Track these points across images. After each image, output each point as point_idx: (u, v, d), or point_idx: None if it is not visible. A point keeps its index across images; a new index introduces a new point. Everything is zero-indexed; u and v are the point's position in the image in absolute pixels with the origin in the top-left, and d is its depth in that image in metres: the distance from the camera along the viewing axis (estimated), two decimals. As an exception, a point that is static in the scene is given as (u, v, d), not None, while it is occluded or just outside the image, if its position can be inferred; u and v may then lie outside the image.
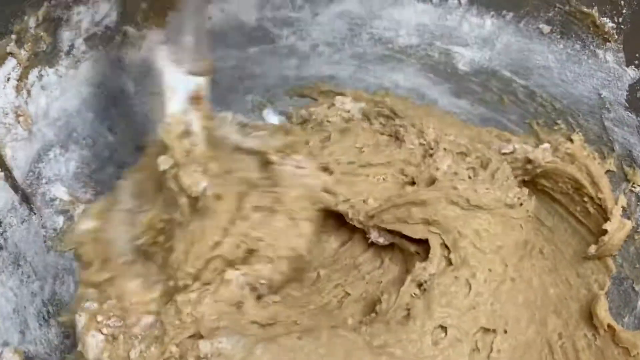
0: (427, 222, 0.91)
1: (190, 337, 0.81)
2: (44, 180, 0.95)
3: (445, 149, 0.97)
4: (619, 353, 0.84)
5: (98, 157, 1.04)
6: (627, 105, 0.92)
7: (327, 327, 0.86)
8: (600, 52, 0.94)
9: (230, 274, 0.86)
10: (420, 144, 0.99)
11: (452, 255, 0.88)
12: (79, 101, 1.00)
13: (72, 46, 0.96)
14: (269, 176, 0.93)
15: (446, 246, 0.89)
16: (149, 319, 0.85)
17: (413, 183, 0.97)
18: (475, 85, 1.10)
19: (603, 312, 0.88)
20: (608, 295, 0.90)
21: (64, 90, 0.97)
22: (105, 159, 1.05)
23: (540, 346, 0.88)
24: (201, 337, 0.81)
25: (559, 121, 1.01)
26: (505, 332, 0.85)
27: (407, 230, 0.93)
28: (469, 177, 0.94)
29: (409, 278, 0.89)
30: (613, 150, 0.95)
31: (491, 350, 0.84)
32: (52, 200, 0.96)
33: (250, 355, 0.79)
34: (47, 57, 0.93)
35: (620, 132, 0.94)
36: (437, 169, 0.95)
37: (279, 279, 0.89)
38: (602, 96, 0.95)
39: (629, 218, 0.91)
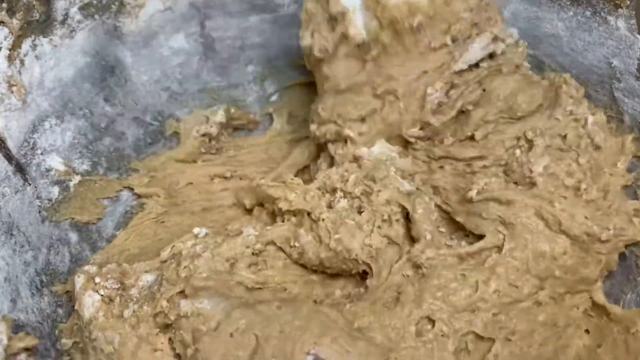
0: (503, 223, 0.84)
1: (179, 293, 0.83)
2: (39, 151, 0.95)
3: (545, 146, 0.87)
4: (618, 331, 0.81)
5: (95, 128, 1.03)
6: (639, 75, 0.88)
7: (310, 301, 0.85)
8: (611, 19, 0.90)
9: (248, 230, 0.90)
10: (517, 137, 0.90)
11: (491, 257, 0.83)
12: (74, 71, 0.99)
13: (66, 15, 0.96)
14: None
15: (498, 248, 0.83)
16: (148, 278, 0.88)
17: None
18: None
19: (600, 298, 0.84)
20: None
21: (58, 60, 0.97)
22: (102, 129, 1.04)
23: None
24: (186, 296, 0.83)
25: (567, 92, 0.97)
26: (509, 340, 0.80)
27: (469, 224, 0.87)
28: (576, 191, 0.85)
29: (405, 256, 0.86)
30: (622, 122, 0.91)
31: (488, 352, 0.80)
32: (48, 170, 0.96)
33: (227, 318, 0.80)
34: (40, 26, 0.93)
35: (631, 102, 0.90)
36: (531, 170, 0.87)
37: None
38: (612, 65, 0.91)
39: (635, 192, 0.88)
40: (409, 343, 0.80)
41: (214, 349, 0.78)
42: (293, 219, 0.93)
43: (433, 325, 0.80)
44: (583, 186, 0.85)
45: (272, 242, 0.92)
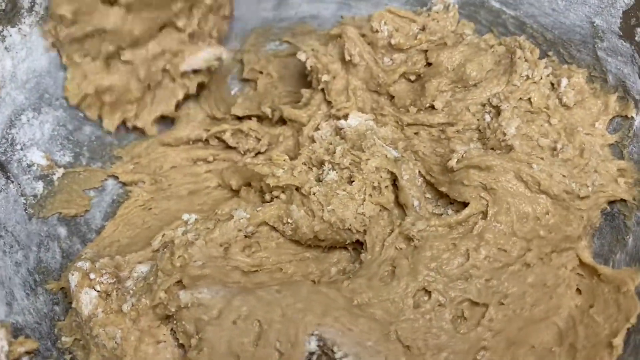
0: (484, 188, 0.85)
1: (176, 283, 0.83)
2: (18, 146, 0.92)
3: (512, 108, 0.89)
4: (609, 291, 0.83)
5: (74, 117, 1.01)
6: (621, 34, 0.88)
7: (308, 282, 0.86)
8: (592, -23, 0.89)
9: (239, 213, 0.90)
10: (482, 104, 0.93)
11: (478, 224, 0.84)
12: (47, 61, 0.96)
13: (33, 2, 0.92)
14: None
15: (483, 214, 0.85)
16: (142, 269, 0.88)
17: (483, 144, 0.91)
18: (463, 18, 1.05)
19: (587, 257, 0.86)
20: (599, 231, 0.88)
21: (30, 50, 0.93)
22: (82, 118, 1.02)
23: (547, 326, 0.84)
24: (184, 286, 0.83)
25: (550, 53, 0.97)
26: (502, 304, 0.82)
27: (453, 192, 0.88)
28: (552, 151, 0.87)
29: (397, 230, 0.87)
30: (606, 81, 0.91)
31: (482, 317, 0.81)
32: (29, 166, 0.94)
33: (228, 305, 0.80)
34: (7, 16, 0.89)
35: (614, 62, 0.90)
36: (504, 133, 0.88)
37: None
38: (595, 24, 0.90)
39: (621, 152, 0.89)
40: (408, 315, 0.81)
41: (218, 337, 0.78)
42: (282, 196, 0.93)
43: (429, 297, 0.82)
44: (559, 146, 0.87)
45: (264, 223, 0.92)
